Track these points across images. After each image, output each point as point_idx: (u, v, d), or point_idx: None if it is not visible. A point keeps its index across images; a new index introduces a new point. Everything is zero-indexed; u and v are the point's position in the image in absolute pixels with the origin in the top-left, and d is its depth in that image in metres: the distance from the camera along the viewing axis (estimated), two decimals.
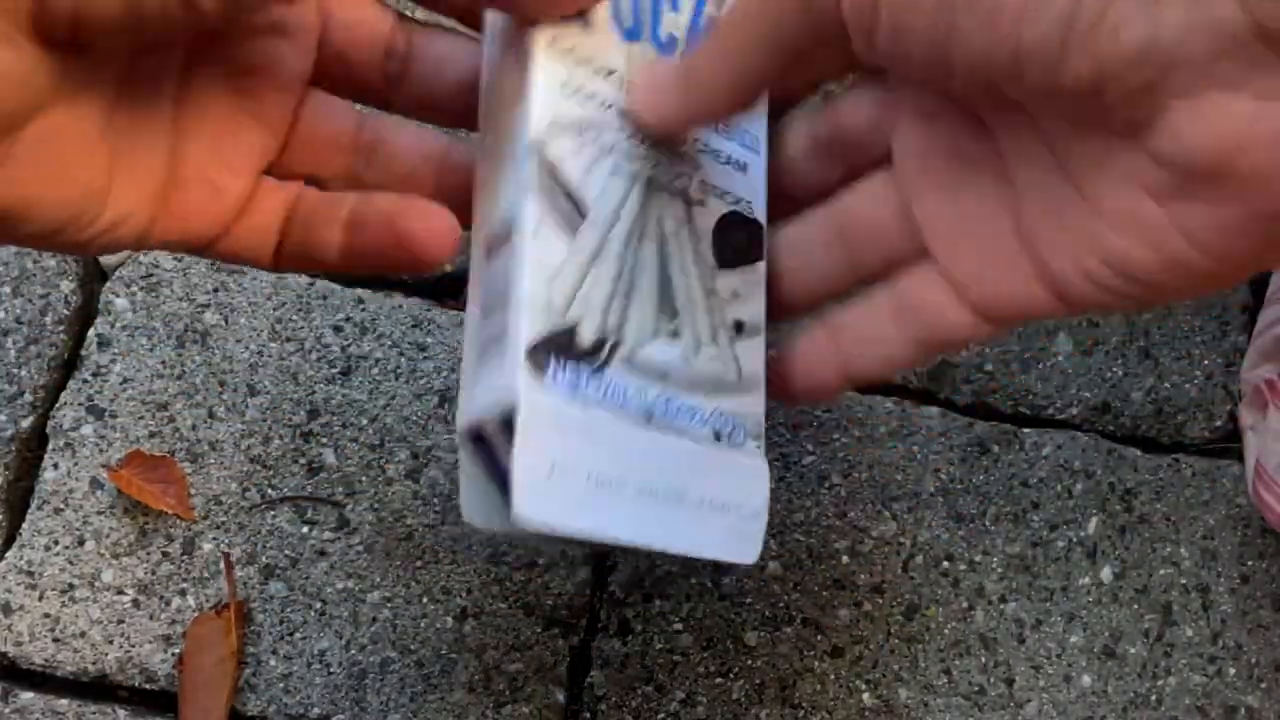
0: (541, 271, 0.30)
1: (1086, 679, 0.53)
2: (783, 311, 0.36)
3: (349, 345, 0.55)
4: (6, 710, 0.51)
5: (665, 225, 0.33)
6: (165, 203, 0.30)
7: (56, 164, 0.27)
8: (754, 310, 0.35)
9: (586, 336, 0.31)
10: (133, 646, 0.52)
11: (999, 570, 0.54)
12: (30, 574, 0.53)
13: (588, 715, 0.52)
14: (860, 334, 0.34)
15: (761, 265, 0.35)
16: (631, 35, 0.33)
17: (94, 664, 0.52)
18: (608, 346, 0.31)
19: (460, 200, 0.33)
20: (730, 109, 0.32)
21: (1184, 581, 0.54)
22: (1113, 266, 0.28)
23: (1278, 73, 0.23)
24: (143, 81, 0.28)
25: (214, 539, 0.53)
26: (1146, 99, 0.24)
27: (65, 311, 0.55)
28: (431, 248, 0.31)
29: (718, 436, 0.33)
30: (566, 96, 0.31)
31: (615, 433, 0.31)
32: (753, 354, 0.35)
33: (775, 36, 0.29)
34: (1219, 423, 0.55)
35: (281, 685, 0.52)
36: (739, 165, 0.35)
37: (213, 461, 0.54)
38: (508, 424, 0.29)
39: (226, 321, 0.55)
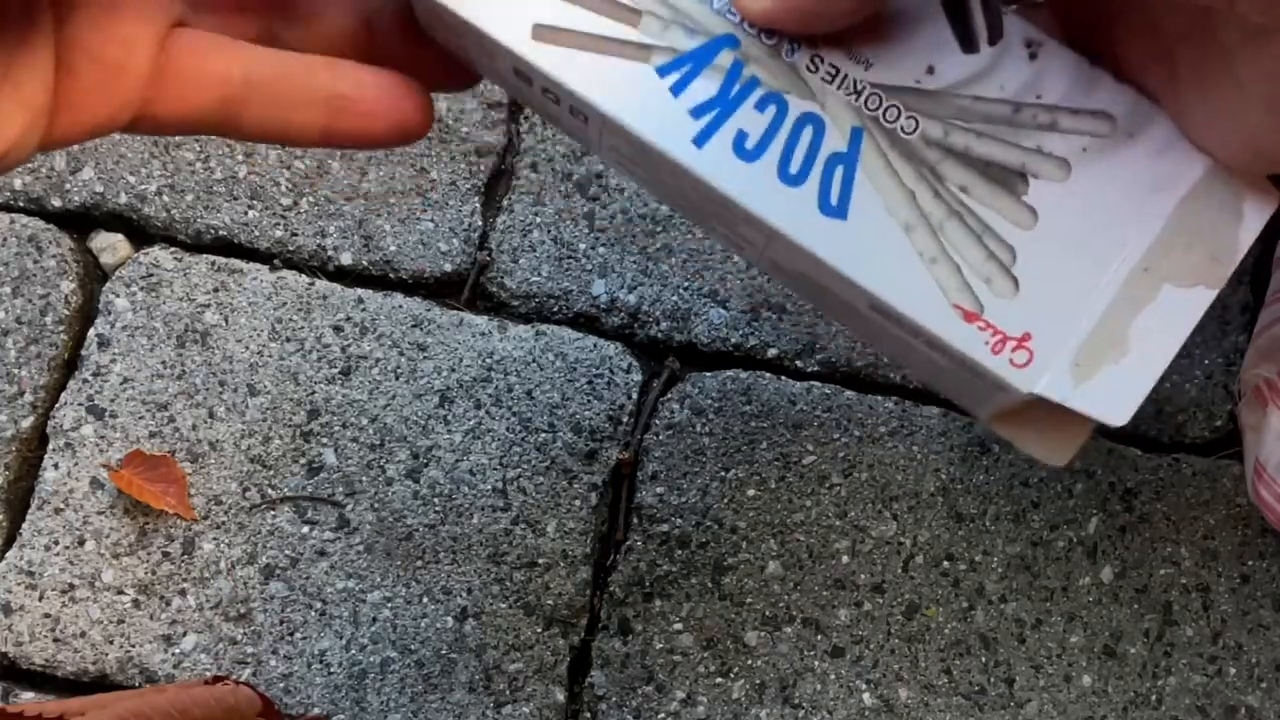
0: None
1: (1087, 679, 0.53)
2: None
3: (349, 345, 0.55)
4: None
5: None
6: (62, 97, 0.27)
7: None
8: None
9: None
10: (133, 646, 0.52)
11: (999, 570, 0.54)
12: (30, 574, 0.53)
13: (588, 715, 0.52)
14: None
15: None
16: None
17: (94, 664, 0.52)
18: None
19: (391, 61, 0.29)
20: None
21: (1184, 581, 0.54)
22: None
23: None
24: None
25: (214, 539, 0.53)
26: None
27: (65, 311, 0.55)
28: (415, 128, 0.29)
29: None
30: None
31: None
32: None
33: None
34: (1219, 423, 0.55)
35: (281, 685, 0.52)
36: None
37: (213, 461, 0.54)
38: None
39: (226, 321, 0.55)
